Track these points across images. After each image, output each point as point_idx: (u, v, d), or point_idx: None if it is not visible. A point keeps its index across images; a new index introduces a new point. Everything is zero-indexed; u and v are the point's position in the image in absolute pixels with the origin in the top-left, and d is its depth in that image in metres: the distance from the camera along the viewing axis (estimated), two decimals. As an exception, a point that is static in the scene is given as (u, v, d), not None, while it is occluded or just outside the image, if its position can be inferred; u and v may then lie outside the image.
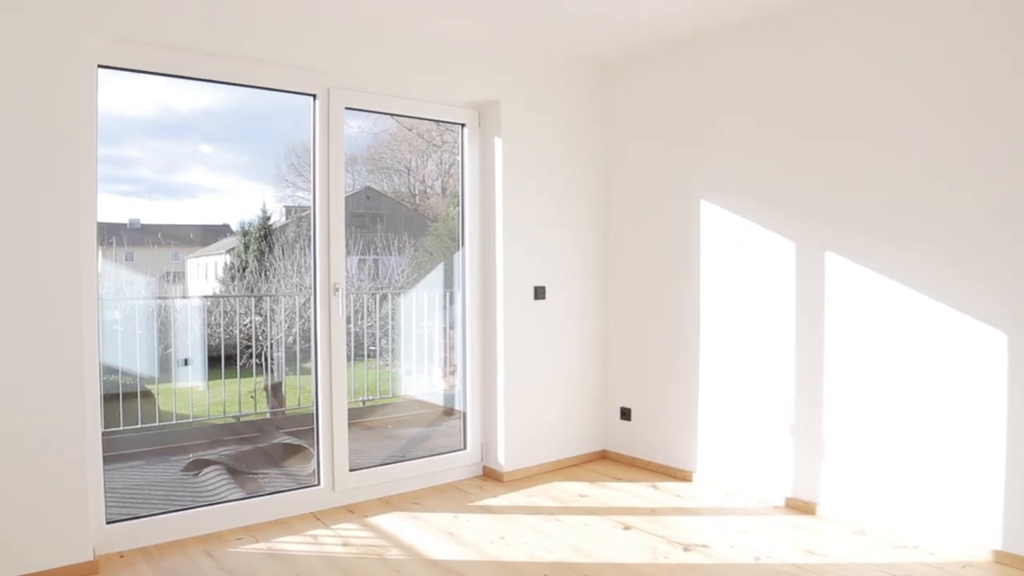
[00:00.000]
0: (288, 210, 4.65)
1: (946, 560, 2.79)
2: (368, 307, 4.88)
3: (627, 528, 3.19)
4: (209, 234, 4.71)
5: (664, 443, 4.15)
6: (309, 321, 3.92)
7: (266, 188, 4.48)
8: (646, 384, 4.25)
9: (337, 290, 3.48)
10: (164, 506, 3.27)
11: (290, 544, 3.06)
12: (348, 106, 3.56)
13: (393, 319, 4.94)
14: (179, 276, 4.63)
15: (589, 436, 4.48)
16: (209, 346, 4.45)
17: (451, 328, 4.53)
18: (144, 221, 4.27)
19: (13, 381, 2.61)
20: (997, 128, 2.81)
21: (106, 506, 2.95)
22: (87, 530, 2.76)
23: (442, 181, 4.97)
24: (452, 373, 4.53)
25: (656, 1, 3.35)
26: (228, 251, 4.69)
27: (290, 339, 4.67)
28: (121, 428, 4.10)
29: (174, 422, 4.31)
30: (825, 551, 2.90)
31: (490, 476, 4.07)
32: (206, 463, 4.00)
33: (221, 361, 4.49)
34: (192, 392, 4.43)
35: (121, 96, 3.41)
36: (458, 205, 4.22)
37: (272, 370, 4.70)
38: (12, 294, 2.61)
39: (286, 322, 4.71)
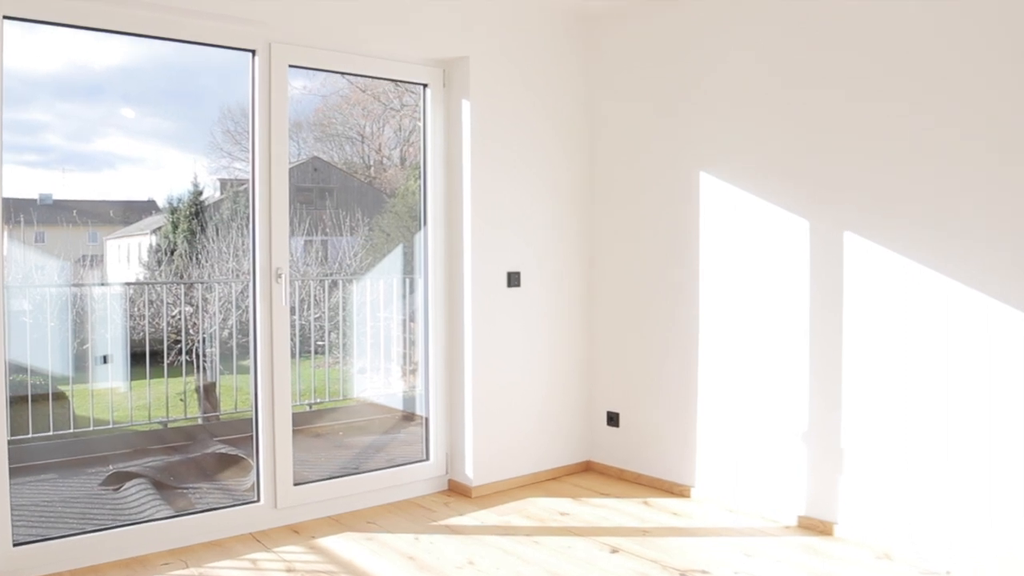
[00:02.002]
0: (223, 184, 4.59)
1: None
2: (316, 296, 4.82)
3: (615, 551, 3.16)
4: (132, 212, 4.63)
5: (657, 453, 4.13)
6: (247, 312, 3.87)
7: (197, 159, 4.41)
8: (637, 385, 4.23)
9: (280, 276, 3.44)
10: (80, 526, 3.25)
11: (225, 570, 3.00)
12: (292, 63, 3.48)
13: (344, 310, 4.87)
14: (97, 260, 4.57)
15: (571, 445, 4.44)
16: (132, 341, 4.38)
17: (412, 320, 4.49)
18: (56, 197, 4.19)
19: None
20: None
21: (12, 526, 2.87)
22: (-14, 555, 2.69)
23: (401, 150, 4.91)
24: (413, 372, 4.50)
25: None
26: (154, 231, 4.61)
27: (225, 333, 4.60)
28: (30, 436, 4.05)
29: (91, 429, 4.26)
30: (840, 576, 2.91)
31: (457, 491, 4.03)
32: (128, 476, 3.94)
33: (146, 358, 4.42)
34: (112, 394, 4.37)
35: (23, 50, 3.29)
36: (419, 178, 4.15)
37: (205, 369, 4.65)
38: None
39: (221, 313, 4.64)
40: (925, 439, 3.10)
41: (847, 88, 3.32)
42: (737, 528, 3.44)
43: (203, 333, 4.55)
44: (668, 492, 3.99)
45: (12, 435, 3.05)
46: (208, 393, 4.64)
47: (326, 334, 4.84)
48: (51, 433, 4.15)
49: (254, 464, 3.51)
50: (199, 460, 4.30)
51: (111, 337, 4.36)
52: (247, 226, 3.47)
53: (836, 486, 3.37)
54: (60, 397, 4.24)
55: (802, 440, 3.49)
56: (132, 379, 4.44)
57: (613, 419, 4.42)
